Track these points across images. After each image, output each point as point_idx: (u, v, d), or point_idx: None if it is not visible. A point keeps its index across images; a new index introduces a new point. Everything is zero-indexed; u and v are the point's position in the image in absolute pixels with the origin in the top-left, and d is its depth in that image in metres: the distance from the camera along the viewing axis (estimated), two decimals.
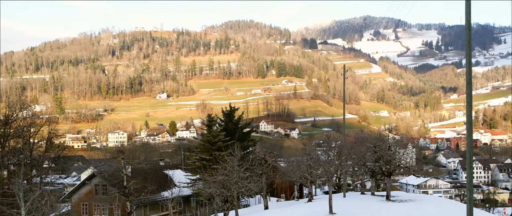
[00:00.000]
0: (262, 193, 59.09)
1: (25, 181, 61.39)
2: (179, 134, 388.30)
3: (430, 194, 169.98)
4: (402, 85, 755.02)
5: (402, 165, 52.53)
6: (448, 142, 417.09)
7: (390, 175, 52.11)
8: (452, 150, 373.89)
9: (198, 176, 71.33)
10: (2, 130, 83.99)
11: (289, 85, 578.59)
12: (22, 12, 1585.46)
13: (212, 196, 48.00)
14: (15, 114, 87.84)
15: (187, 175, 75.94)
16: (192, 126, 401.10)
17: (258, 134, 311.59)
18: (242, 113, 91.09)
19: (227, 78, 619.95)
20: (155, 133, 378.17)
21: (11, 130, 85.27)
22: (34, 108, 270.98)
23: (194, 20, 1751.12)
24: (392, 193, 55.59)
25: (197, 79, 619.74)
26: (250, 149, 79.98)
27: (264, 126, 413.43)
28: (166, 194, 67.14)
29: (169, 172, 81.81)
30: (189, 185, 72.46)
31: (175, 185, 75.08)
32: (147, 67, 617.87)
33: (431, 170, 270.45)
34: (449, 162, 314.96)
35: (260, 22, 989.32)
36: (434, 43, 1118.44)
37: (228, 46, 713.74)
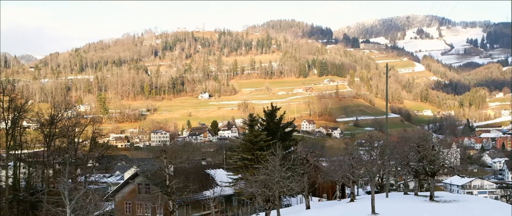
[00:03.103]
0: (303, 193, 58.77)
1: (70, 180, 62.44)
2: (221, 133, 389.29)
3: (475, 194, 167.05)
4: (446, 84, 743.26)
5: (446, 165, 51.69)
6: (494, 142, 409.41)
7: (434, 175, 51.24)
8: (497, 150, 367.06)
9: (239, 175, 71.49)
10: (48, 129, 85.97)
11: (331, 85, 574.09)
12: (67, 13, 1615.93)
13: (254, 195, 47.88)
14: (60, 114, 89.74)
15: (229, 175, 76.14)
16: (233, 126, 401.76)
17: (300, 134, 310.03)
18: (284, 113, 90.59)
19: (269, 78, 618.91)
20: (197, 133, 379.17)
21: (57, 130, 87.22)
22: (79, 108, 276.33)
23: (236, 20, 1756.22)
24: (436, 193, 54.70)
25: (238, 79, 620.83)
26: (292, 149, 79.83)
27: (305, 126, 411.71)
28: (208, 193, 67.55)
29: (211, 172, 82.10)
30: (231, 184, 72.70)
31: (217, 185, 75.08)
32: (189, 67, 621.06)
33: (476, 170, 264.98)
34: (495, 162, 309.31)
35: (301, 22, 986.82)
36: (479, 41, 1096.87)
37: (269, 46, 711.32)
